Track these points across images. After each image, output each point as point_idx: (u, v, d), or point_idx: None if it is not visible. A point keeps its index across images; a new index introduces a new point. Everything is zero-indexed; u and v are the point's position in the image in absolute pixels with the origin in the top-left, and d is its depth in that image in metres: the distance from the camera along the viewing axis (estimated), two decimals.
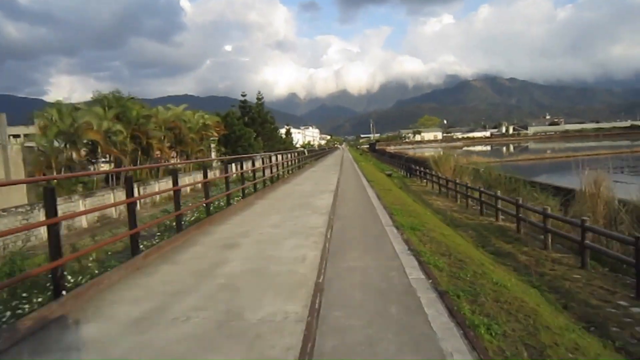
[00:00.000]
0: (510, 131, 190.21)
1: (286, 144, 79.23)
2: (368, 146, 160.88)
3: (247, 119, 64.73)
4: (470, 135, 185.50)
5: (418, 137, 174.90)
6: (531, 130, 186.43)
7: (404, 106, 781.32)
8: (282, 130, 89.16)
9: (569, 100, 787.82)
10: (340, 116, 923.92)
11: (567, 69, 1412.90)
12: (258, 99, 72.51)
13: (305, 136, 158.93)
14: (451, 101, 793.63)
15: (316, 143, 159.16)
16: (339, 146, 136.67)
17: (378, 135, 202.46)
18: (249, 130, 56.93)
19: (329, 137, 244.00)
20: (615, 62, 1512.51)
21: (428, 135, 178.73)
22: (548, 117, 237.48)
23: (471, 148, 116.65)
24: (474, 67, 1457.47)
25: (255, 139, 57.71)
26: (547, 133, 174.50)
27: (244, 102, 68.91)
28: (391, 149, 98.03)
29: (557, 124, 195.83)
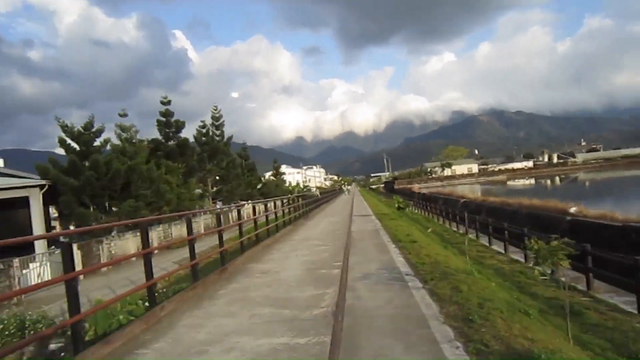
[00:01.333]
0: (555, 160, 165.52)
1: (270, 187, 60.23)
2: (384, 185, 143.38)
3: (171, 145, 39.66)
4: (509, 166, 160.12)
5: (448, 171, 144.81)
6: (580, 157, 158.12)
7: (412, 143, 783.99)
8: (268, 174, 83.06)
9: (578, 130, 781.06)
10: (349, 157, 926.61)
11: (573, 99, 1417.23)
12: (214, 118, 47.81)
13: (305, 177, 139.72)
14: (459, 136, 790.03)
15: (317, 185, 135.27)
16: (346, 188, 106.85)
17: (391, 173, 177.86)
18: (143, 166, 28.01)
19: (335, 177, 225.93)
20: (620, 91, 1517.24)
21: (460, 169, 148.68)
22: (584, 143, 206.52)
23: (515, 182, 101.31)
24: (479, 102, 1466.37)
25: (184, 178, 35.61)
26: (598, 160, 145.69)
27: (166, 114, 40.40)
28: (418, 187, 79.43)
29: (595, 150, 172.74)
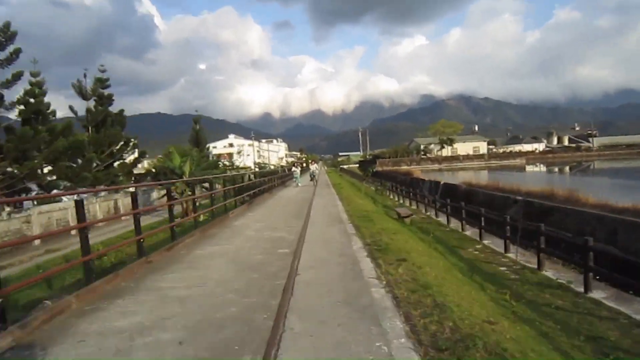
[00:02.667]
0: (566, 142, 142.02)
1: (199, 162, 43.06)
2: (358, 165, 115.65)
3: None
4: (516, 148, 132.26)
5: (446, 150, 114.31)
6: (596, 142, 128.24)
7: (380, 125, 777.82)
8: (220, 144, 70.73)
9: (543, 120, 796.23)
10: (316, 135, 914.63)
11: (538, 89, 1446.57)
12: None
13: (260, 152, 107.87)
14: (427, 120, 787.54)
15: (274, 162, 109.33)
16: (313, 167, 46.68)
17: (367, 151, 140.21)
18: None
19: (298, 154, 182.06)
20: (584, 83, 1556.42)
21: (464, 147, 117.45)
22: (578, 128, 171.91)
23: (536, 168, 78.43)
24: (448, 87, 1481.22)
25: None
26: (620, 146, 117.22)
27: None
28: (418, 171, 52.37)
29: (591, 135, 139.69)
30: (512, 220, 14.04)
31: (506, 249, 13.60)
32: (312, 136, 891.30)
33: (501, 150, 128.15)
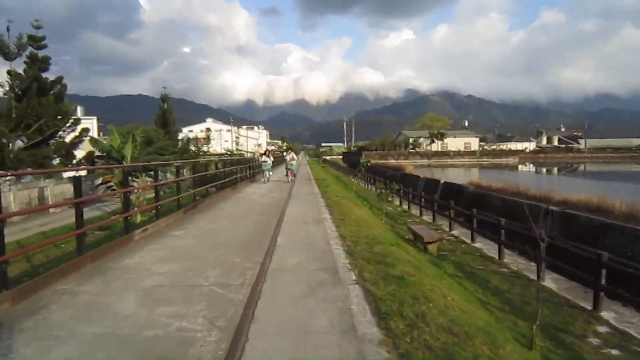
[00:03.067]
0: (555, 143, 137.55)
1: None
2: (342, 157, 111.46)
3: None
4: (509, 146, 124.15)
5: (436, 145, 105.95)
6: (583, 143, 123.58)
7: (364, 117, 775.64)
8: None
9: (523, 120, 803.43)
10: (300, 124, 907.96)
11: (521, 89, 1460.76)
12: None
13: (238, 138, 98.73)
14: (411, 115, 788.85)
15: (253, 150, 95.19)
16: (289, 158, 27.80)
17: (350, 143, 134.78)
18: None
19: (279, 142, 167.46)
20: (565, 85, 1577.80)
21: (454, 143, 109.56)
22: (563, 129, 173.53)
23: (526, 168, 76.43)
24: (432, 83, 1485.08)
25: None
26: (607, 150, 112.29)
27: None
28: (410, 167, 50.04)
29: (576, 137, 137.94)
30: (550, 237, 10.17)
31: (540, 275, 10.21)
32: (296, 125, 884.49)
33: (492, 148, 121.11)
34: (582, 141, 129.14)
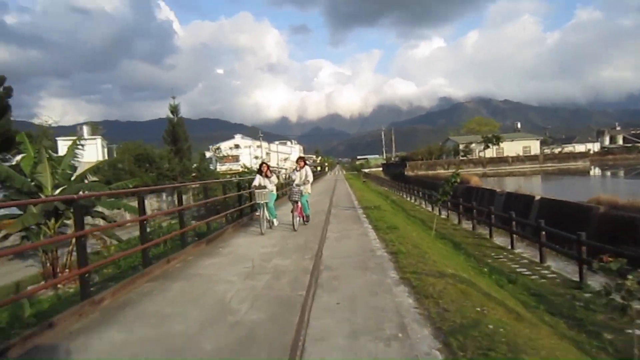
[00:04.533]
0: (620, 142, 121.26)
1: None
2: (382, 168, 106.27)
3: None
4: (569, 148, 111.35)
5: (489, 152, 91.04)
6: None
7: (399, 128, 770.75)
8: None
9: (564, 122, 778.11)
10: (334, 139, 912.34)
11: (559, 91, 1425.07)
12: None
13: (264, 153, 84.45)
14: (446, 123, 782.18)
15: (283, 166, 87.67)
16: (297, 177, 13.05)
17: (390, 153, 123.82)
18: None
19: (314, 156, 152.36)
20: (606, 84, 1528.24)
21: (512, 147, 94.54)
22: (619, 128, 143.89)
23: (599, 172, 67.00)
24: (466, 90, 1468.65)
25: None
26: None
27: None
28: (475, 178, 41.29)
29: (614, 138, 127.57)
30: None
31: None
32: (330, 139, 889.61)
33: (557, 151, 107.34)
34: None
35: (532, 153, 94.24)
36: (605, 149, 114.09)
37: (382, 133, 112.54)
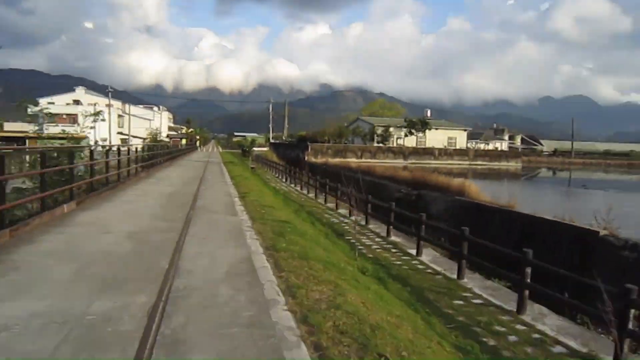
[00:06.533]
0: (517, 143, 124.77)
1: None
2: (270, 146, 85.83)
3: None
4: (484, 147, 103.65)
5: (410, 140, 79.86)
6: (547, 144, 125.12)
7: (278, 110, 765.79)
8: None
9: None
10: (211, 113, 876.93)
11: (429, 90, 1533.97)
12: None
13: (116, 115, 67.91)
14: (324, 108, 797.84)
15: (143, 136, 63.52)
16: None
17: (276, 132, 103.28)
18: None
19: (184, 128, 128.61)
20: (467, 90, 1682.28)
21: (435, 137, 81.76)
22: (495, 126, 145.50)
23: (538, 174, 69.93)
24: (346, 79, 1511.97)
25: None
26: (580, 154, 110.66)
27: None
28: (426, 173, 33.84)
29: (535, 138, 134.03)
30: None
31: None
32: (207, 113, 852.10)
33: (483, 147, 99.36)
34: (543, 142, 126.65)
35: (458, 146, 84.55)
36: (514, 149, 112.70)
37: (270, 106, 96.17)
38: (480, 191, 21.92)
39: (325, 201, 22.90)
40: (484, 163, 76.02)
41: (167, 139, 77.73)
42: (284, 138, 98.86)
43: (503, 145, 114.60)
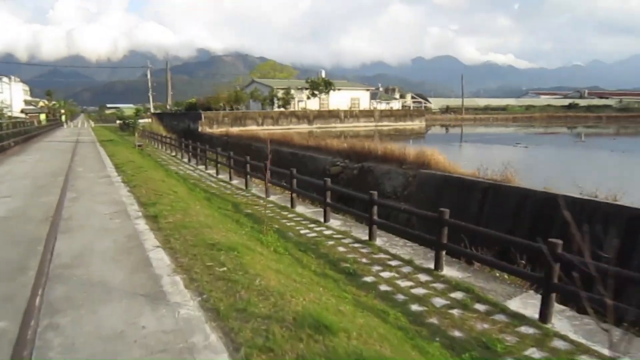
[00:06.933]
0: (409, 101, 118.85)
1: None
2: (153, 116, 69.42)
3: None
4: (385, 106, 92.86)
5: (311, 103, 73.25)
6: (439, 102, 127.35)
7: (154, 77, 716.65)
8: None
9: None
10: (77, 84, 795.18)
11: (309, 54, 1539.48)
12: None
13: None
14: (204, 75, 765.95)
15: None
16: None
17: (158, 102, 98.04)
18: None
19: (44, 102, 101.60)
20: (346, 52, 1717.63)
21: (338, 99, 75.39)
22: (381, 89, 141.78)
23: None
24: (225, 44, 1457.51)
25: None
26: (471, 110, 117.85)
27: None
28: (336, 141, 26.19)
29: (423, 96, 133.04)
30: None
31: None
32: (72, 85, 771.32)
33: (389, 107, 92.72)
34: (433, 99, 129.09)
35: (362, 107, 79.03)
36: (419, 107, 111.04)
37: (149, 72, 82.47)
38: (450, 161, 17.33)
39: (247, 185, 16.73)
40: (390, 124, 73.11)
41: (22, 115, 65.89)
42: (168, 107, 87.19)
43: (397, 105, 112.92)
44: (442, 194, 15.49)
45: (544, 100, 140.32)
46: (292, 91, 71.02)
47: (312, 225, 10.97)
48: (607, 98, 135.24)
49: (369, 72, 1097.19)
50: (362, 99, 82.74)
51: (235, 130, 50.74)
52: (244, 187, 16.67)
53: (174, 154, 30.60)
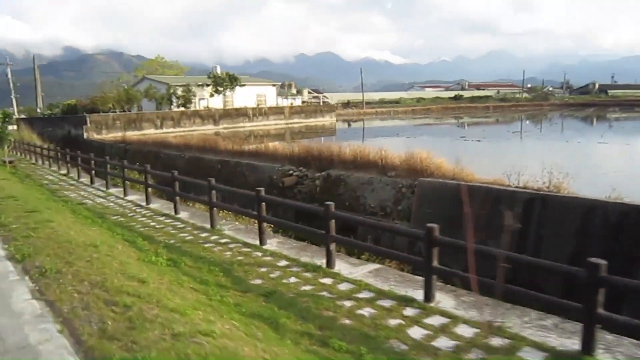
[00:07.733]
0: (306, 97, 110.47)
1: None
2: (17, 126, 56.58)
3: None
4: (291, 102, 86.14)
5: (214, 102, 66.06)
6: (333, 97, 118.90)
7: (14, 80, 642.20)
8: None
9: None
10: None
11: (190, 51, 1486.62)
12: None
13: None
14: (75, 76, 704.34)
15: None
16: None
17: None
18: None
19: None
20: (227, 49, 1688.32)
21: (243, 95, 69.31)
22: (289, 83, 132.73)
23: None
24: (96, 41, 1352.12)
25: None
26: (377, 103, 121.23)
27: None
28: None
29: (319, 92, 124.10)
30: None
31: None
32: None
33: (295, 103, 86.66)
34: (332, 95, 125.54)
35: (269, 103, 74.30)
36: (328, 103, 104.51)
37: (9, 70, 70.01)
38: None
39: (176, 211, 12.63)
40: (301, 120, 69.88)
41: None
42: (39, 111, 76.06)
43: (299, 101, 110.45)
44: (458, 208, 12.44)
45: (430, 92, 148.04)
46: (193, 88, 63.89)
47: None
48: (483, 89, 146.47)
49: (253, 70, 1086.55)
50: (269, 95, 78.08)
51: (132, 135, 43.12)
52: (176, 215, 12.94)
53: (61, 170, 24.53)
